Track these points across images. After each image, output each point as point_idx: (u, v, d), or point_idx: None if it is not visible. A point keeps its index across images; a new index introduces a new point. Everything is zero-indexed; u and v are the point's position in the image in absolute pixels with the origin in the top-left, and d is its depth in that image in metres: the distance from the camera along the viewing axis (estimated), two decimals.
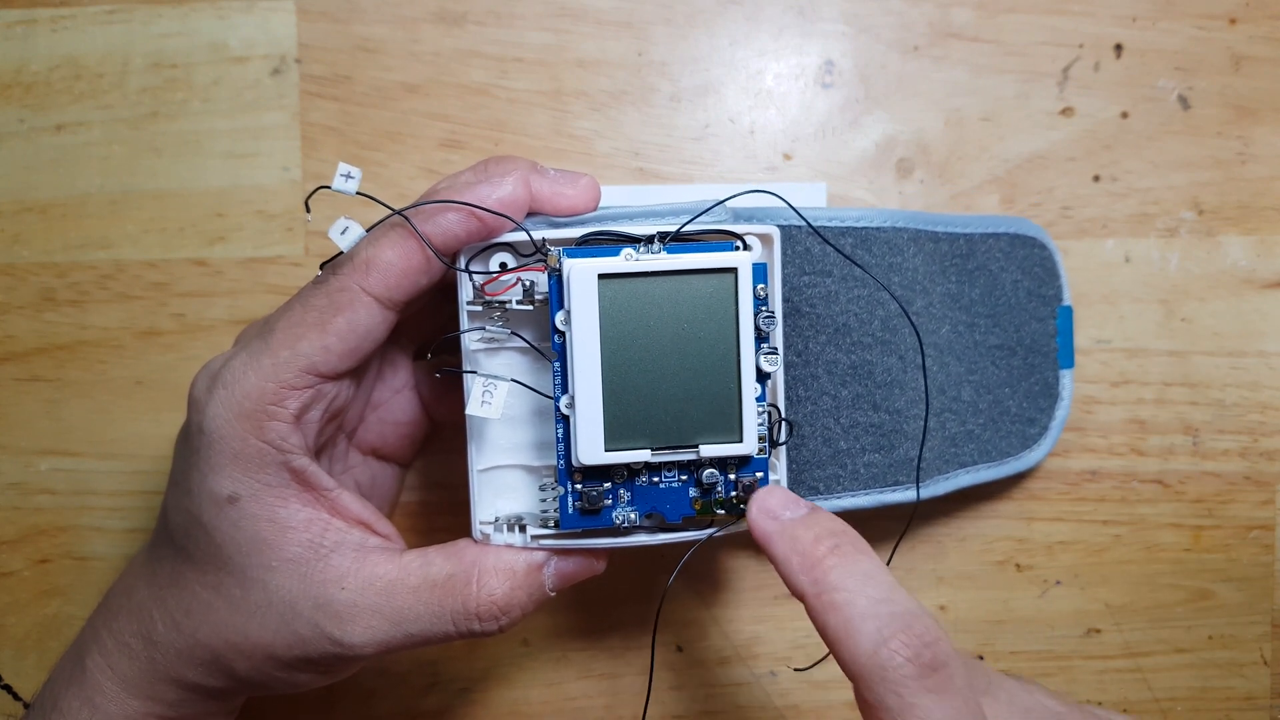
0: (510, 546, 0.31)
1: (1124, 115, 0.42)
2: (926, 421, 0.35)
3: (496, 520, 0.32)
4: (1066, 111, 0.42)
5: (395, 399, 0.37)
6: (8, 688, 0.41)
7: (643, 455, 0.30)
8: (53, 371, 0.41)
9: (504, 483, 0.33)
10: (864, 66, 0.41)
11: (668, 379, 0.30)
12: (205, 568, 0.31)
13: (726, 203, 0.31)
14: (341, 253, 0.30)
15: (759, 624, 0.42)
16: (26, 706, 0.40)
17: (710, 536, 0.32)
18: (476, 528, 0.32)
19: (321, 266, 0.30)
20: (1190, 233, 0.42)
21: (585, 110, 0.41)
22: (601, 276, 0.29)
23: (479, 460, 0.32)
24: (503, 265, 0.31)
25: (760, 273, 0.31)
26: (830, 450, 0.35)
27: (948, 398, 0.37)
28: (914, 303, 0.36)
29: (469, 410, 0.30)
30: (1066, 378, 0.40)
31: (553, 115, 0.41)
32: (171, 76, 0.41)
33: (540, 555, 0.31)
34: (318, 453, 0.32)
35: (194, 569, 0.31)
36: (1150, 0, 0.41)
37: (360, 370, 0.32)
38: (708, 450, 0.30)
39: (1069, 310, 0.40)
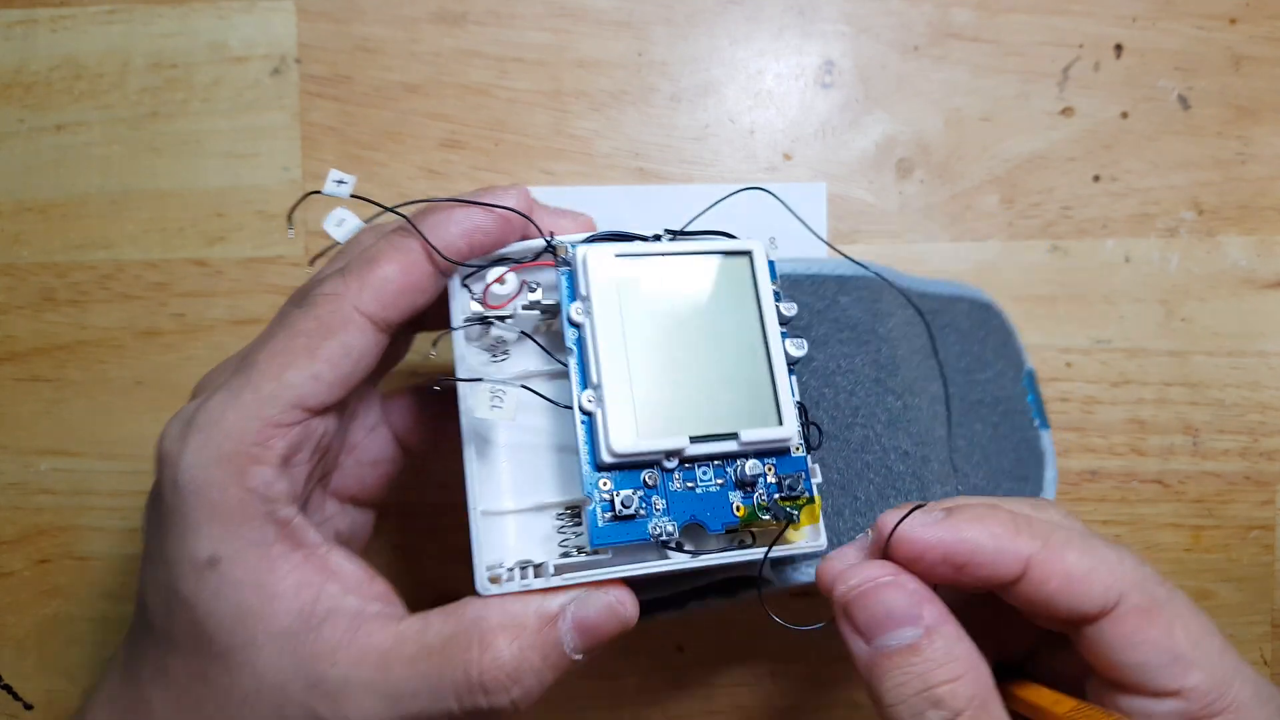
0: (519, 593, 0.26)
1: (1124, 115, 0.42)
2: (950, 426, 0.34)
3: (503, 566, 0.27)
4: (1066, 111, 0.42)
5: (370, 438, 0.33)
6: (8, 688, 0.41)
7: (680, 442, 0.27)
8: (53, 371, 0.41)
9: (510, 531, 0.29)
10: (864, 66, 0.41)
11: (695, 367, 0.28)
12: (189, 652, 0.27)
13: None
14: (335, 244, 0.28)
15: (760, 622, 0.41)
16: (28, 707, 0.40)
17: (768, 556, 0.27)
18: (481, 575, 0.27)
19: (312, 261, 0.29)
20: (1190, 233, 0.42)
21: (585, 110, 0.41)
22: (619, 257, 0.28)
23: (483, 499, 0.28)
24: (502, 282, 0.29)
25: (770, 266, 0.29)
26: (849, 498, 0.33)
27: (949, 449, 0.36)
28: (899, 346, 0.35)
29: (479, 414, 0.27)
30: (1046, 438, 0.39)
31: (553, 115, 0.41)
32: (171, 76, 0.41)
33: (554, 605, 0.26)
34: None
35: (178, 657, 0.27)
36: (1150, 0, 0.41)
37: (344, 404, 0.29)
38: (749, 435, 0.27)
39: (1032, 373, 0.40)
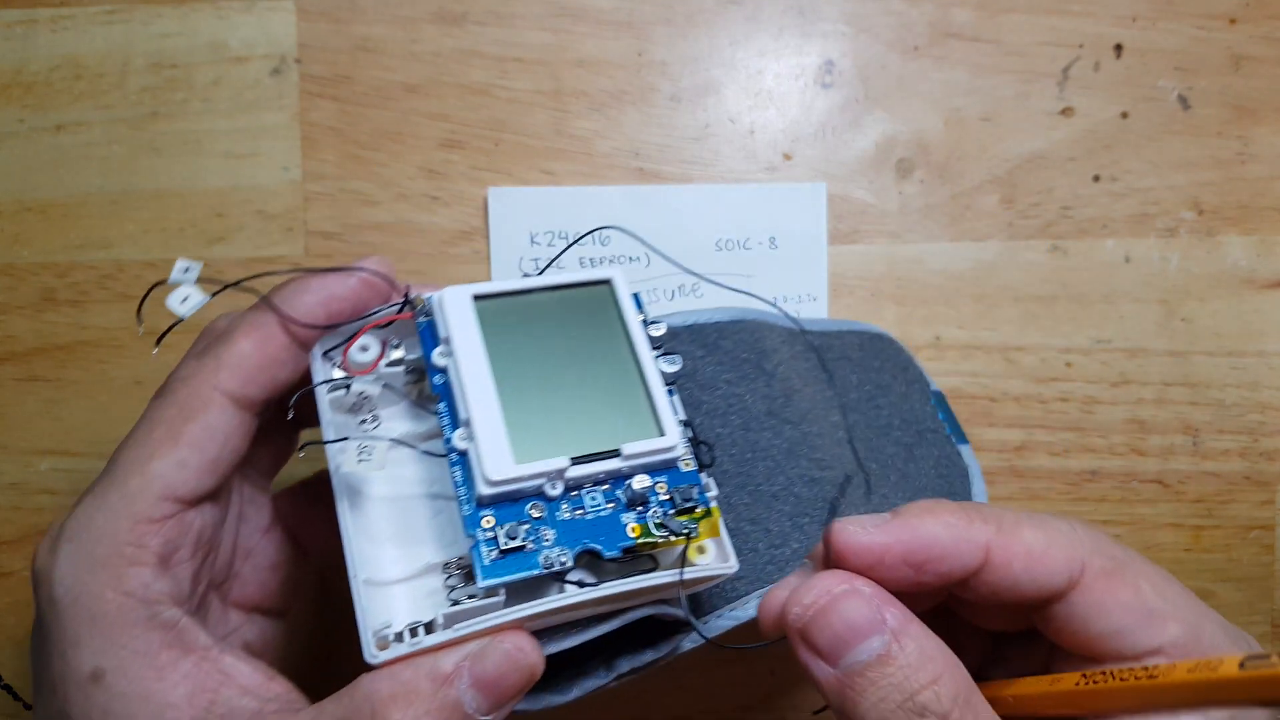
0: (411, 657, 0.25)
1: (1124, 115, 0.42)
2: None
3: (391, 629, 0.26)
4: (1066, 111, 0.42)
5: (265, 541, 0.32)
6: (8, 687, 0.41)
7: (560, 463, 0.26)
8: (53, 371, 0.41)
9: (398, 594, 0.28)
10: (864, 66, 0.41)
11: (569, 394, 0.27)
12: None
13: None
14: (179, 320, 0.27)
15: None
16: (28, 707, 0.40)
17: (683, 577, 0.26)
18: (368, 643, 0.25)
19: (158, 341, 0.28)
20: (1190, 233, 0.42)
21: (585, 110, 0.41)
22: (477, 297, 0.27)
23: (365, 564, 0.26)
24: (363, 348, 0.28)
25: (635, 297, 0.29)
26: (761, 531, 0.32)
27: (862, 472, 0.35)
28: (790, 380, 0.34)
29: (346, 469, 0.26)
30: (967, 453, 0.38)
31: (553, 115, 0.41)
32: (171, 76, 0.41)
33: (447, 664, 0.24)
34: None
35: None
36: (1150, 0, 0.41)
37: (223, 494, 0.28)
38: (631, 448, 0.26)
39: (940, 394, 0.39)
